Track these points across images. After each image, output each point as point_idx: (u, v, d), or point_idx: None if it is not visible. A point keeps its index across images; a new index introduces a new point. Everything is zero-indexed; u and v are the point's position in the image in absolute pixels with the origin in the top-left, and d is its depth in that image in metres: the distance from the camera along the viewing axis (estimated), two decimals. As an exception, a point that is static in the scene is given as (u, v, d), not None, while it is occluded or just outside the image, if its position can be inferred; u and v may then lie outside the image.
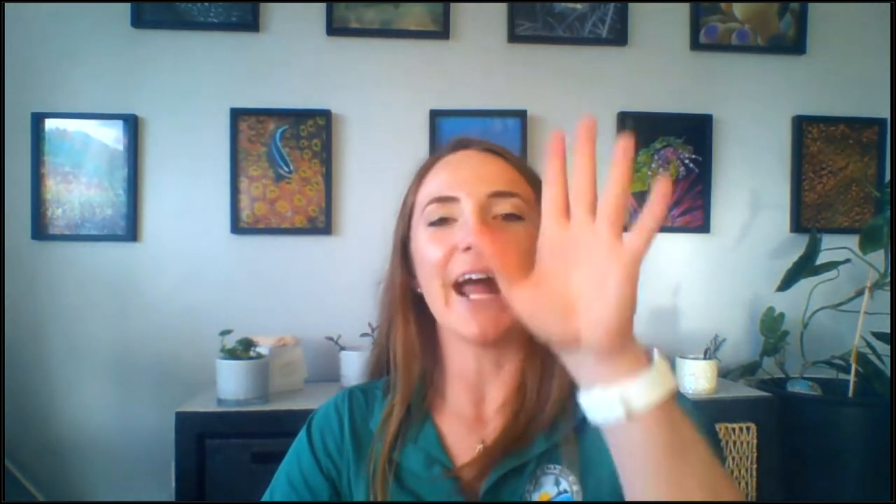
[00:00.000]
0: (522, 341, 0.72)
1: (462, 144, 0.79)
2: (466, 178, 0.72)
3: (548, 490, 0.68)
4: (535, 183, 0.76)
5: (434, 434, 0.74)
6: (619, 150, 0.49)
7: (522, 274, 0.54)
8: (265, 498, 0.77)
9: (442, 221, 0.72)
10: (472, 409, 0.76)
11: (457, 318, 0.70)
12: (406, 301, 0.78)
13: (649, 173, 2.18)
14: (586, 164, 0.51)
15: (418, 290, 0.76)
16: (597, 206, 0.50)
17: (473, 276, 0.68)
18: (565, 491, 0.68)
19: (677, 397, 0.51)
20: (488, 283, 0.67)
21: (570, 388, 0.68)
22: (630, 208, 2.17)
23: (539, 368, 0.72)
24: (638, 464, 0.50)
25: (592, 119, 0.51)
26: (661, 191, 0.48)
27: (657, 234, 0.48)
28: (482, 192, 0.71)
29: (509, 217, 0.71)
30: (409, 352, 0.77)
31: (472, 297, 0.68)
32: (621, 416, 0.48)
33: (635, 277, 0.48)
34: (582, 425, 0.68)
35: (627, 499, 0.52)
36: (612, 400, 0.49)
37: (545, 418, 0.70)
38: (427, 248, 0.72)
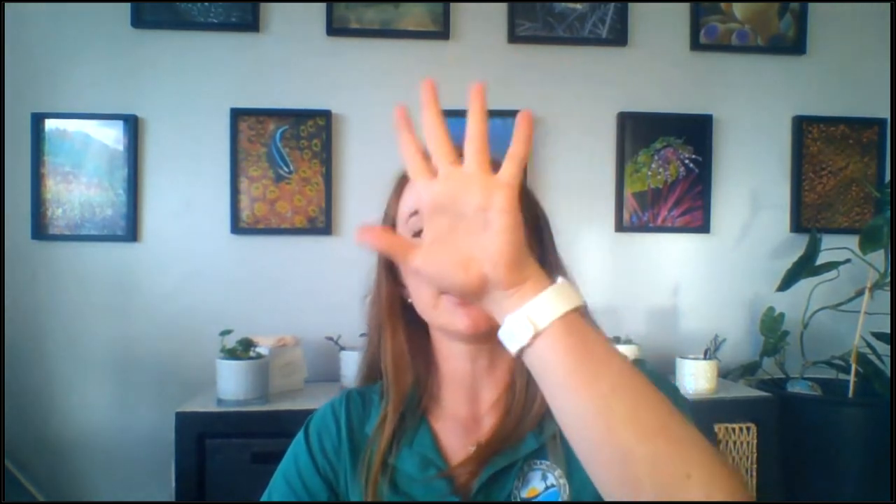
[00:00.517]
0: None
1: None
2: None
3: (535, 485, 0.70)
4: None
5: (429, 437, 0.75)
6: (473, 92, 0.51)
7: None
8: (263, 499, 0.77)
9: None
10: (466, 410, 0.77)
11: (446, 316, 0.70)
12: (394, 311, 0.78)
13: (649, 173, 2.18)
14: (433, 118, 0.52)
15: (408, 299, 0.77)
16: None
17: None
18: (552, 486, 0.70)
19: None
20: None
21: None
22: (630, 209, 2.18)
23: (525, 367, 0.73)
24: (551, 378, 0.50)
25: (430, 80, 0.52)
26: (521, 121, 0.50)
27: (525, 161, 0.49)
28: None
29: None
30: (398, 362, 0.77)
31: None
32: (531, 334, 0.49)
33: (514, 204, 0.49)
34: None
35: (558, 424, 0.52)
36: (520, 322, 0.49)
37: (533, 416, 0.72)
38: None
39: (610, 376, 0.49)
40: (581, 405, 0.48)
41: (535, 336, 0.49)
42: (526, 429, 0.71)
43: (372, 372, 0.83)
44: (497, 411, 0.75)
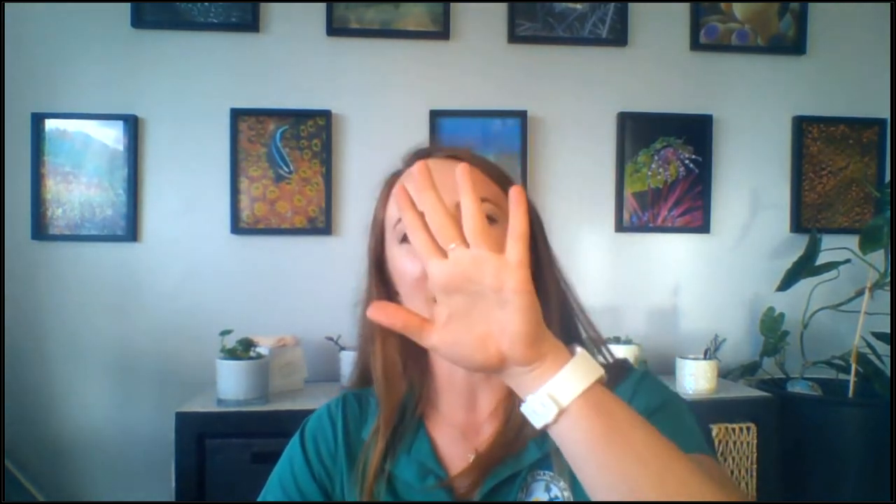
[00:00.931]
0: None
1: (423, 154, 0.78)
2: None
3: (538, 496, 0.69)
4: (502, 181, 0.75)
5: (427, 444, 0.74)
6: (459, 174, 0.51)
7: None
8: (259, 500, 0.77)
9: None
10: (464, 417, 0.76)
11: None
12: None
13: (649, 173, 2.18)
14: (432, 201, 0.52)
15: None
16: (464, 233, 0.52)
17: None
18: (556, 497, 0.68)
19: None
20: None
21: None
22: (630, 209, 2.18)
23: None
24: (579, 455, 0.50)
25: (424, 163, 0.53)
26: (515, 199, 0.50)
27: (528, 237, 0.50)
28: (450, 201, 0.68)
29: None
30: (389, 374, 0.76)
31: None
32: (554, 413, 0.50)
33: (528, 284, 0.49)
34: None
35: (591, 498, 0.52)
36: (543, 401, 0.50)
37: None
38: (404, 264, 0.71)
39: (634, 449, 0.49)
40: (607, 478, 0.49)
41: (559, 414, 0.50)
42: (527, 437, 0.70)
43: (365, 378, 0.81)
44: (497, 419, 0.74)
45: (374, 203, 0.84)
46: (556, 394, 0.50)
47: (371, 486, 0.71)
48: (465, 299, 0.51)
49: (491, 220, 0.70)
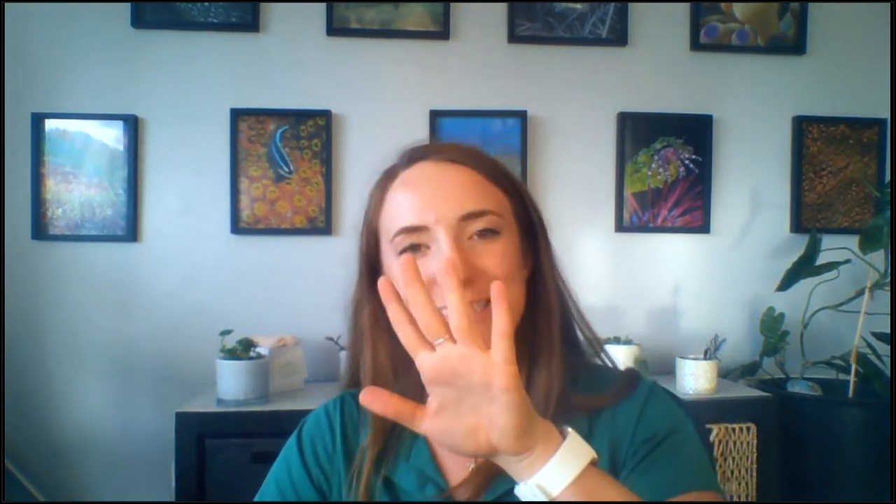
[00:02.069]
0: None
1: (419, 156, 0.73)
2: (432, 201, 0.68)
3: None
4: (505, 184, 0.72)
5: (427, 452, 0.72)
6: (444, 269, 0.52)
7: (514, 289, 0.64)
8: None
9: (414, 249, 0.68)
10: None
11: None
12: (377, 326, 0.74)
13: (649, 173, 2.18)
14: (418, 295, 0.52)
15: None
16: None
17: None
18: None
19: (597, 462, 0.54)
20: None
21: (558, 405, 0.68)
22: (630, 209, 2.18)
23: (524, 378, 0.69)
24: None
25: (411, 257, 0.54)
26: (496, 294, 0.52)
27: (511, 334, 0.51)
28: (453, 215, 0.67)
29: (485, 233, 0.68)
30: (378, 376, 0.74)
31: None
32: (544, 501, 0.51)
33: (516, 380, 0.50)
34: None
35: None
36: (533, 492, 0.52)
37: None
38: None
39: None
40: None
41: (550, 502, 0.51)
42: None
43: (357, 380, 0.79)
44: None
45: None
46: (546, 484, 0.51)
47: (367, 484, 0.70)
48: (453, 391, 0.52)
49: (494, 232, 0.68)
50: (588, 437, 0.67)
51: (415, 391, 0.74)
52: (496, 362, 0.50)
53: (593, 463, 0.54)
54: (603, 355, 0.79)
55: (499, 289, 0.52)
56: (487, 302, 0.65)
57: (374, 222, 0.75)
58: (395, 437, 0.73)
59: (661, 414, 0.70)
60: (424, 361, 0.53)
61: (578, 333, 0.77)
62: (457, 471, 0.71)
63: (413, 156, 0.74)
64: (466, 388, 0.52)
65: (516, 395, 0.50)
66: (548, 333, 0.72)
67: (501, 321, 0.51)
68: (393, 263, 0.70)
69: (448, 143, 0.76)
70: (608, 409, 0.70)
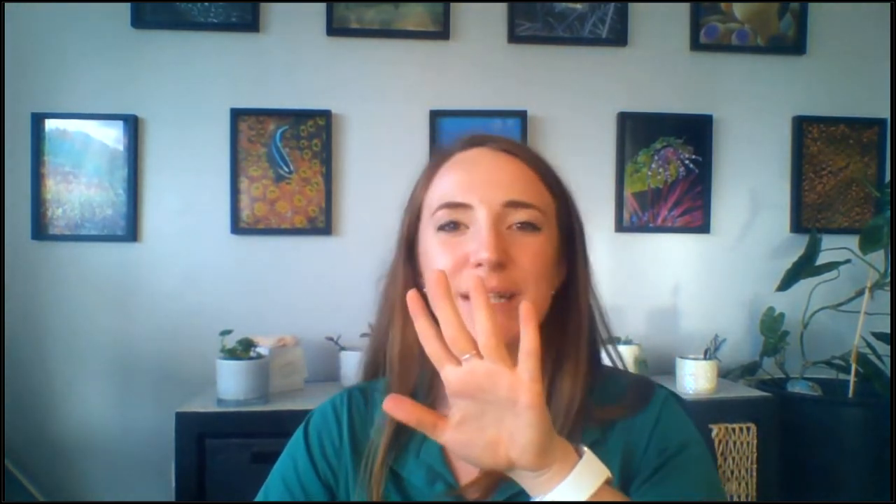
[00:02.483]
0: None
1: (477, 142, 0.75)
2: (480, 183, 0.69)
3: None
4: (554, 186, 0.73)
5: (437, 448, 0.71)
6: (474, 288, 0.53)
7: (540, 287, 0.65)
8: (259, 498, 0.75)
9: (453, 227, 0.69)
10: None
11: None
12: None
13: (649, 173, 2.18)
14: (446, 311, 0.54)
15: (423, 289, 0.73)
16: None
17: None
18: None
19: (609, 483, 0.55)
20: (499, 294, 0.66)
21: (580, 411, 0.68)
22: (630, 209, 2.18)
23: (546, 386, 0.68)
24: None
25: (442, 272, 0.55)
26: (525, 315, 0.53)
27: (539, 353, 0.52)
28: (497, 200, 0.68)
29: (525, 226, 0.68)
30: (406, 353, 0.73)
31: None
32: None
33: (540, 398, 0.52)
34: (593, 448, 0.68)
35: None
36: None
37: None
38: (436, 255, 0.69)
39: None
40: None
41: None
42: None
43: (376, 363, 0.80)
44: None
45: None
46: (560, 501, 0.53)
47: (378, 478, 0.69)
48: (477, 405, 0.53)
49: (534, 227, 0.69)
50: (602, 445, 0.67)
51: (430, 375, 0.74)
52: (523, 380, 0.51)
53: (608, 482, 0.55)
54: (615, 357, 0.78)
55: (527, 309, 0.53)
56: (511, 295, 0.66)
57: (419, 197, 0.75)
58: (406, 430, 0.72)
59: (674, 426, 0.70)
60: (450, 375, 0.54)
61: (606, 360, 0.77)
62: (467, 469, 0.70)
63: (471, 141, 0.75)
64: (490, 402, 0.53)
65: (540, 413, 0.51)
66: (576, 345, 0.72)
67: (530, 341, 0.52)
68: (430, 239, 0.71)
69: (507, 137, 0.76)
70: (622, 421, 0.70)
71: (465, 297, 0.66)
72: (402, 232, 0.76)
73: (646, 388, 0.73)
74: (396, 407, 0.54)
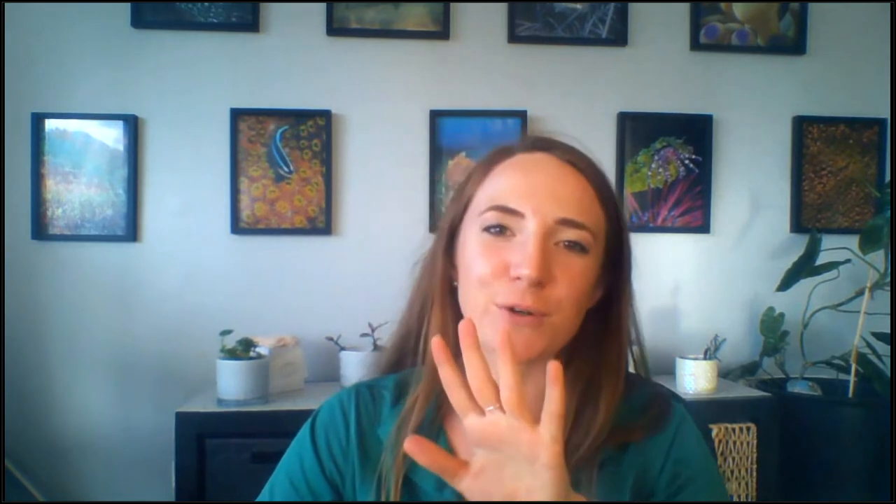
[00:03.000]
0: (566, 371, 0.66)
1: (543, 145, 0.71)
2: (538, 192, 0.66)
3: None
4: (609, 206, 0.70)
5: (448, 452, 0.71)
6: (502, 343, 0.53)
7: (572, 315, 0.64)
8: (264, 495, 0.74)
9: (499, 231, 0.66)
10: None
11: (490, 330, 0.64)
12: (445, 289, 0.72)
13: (649, 173, 2.18)
14: (475, 361, 0.54)
15: (454, 282, 0.72)
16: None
17: (517, 309, 0.64)
18: None
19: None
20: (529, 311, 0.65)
21: (596, 439, 0.66)
22: (630, 209, 2.18)
23: (572, 407, 0.67)
24: None
25: (471, 322, 0.55)
26: (552, 375, 0.52)
27: (563, 416, 0.52)
28: (552, 214, 0.65)
29: (573, 246, 0.66)
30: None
31: (513, 312, 0.64)
32: None
33: (560, 458, 0.51)
34: (602, 466, 0.66)
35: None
36: None
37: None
38: (476, 257, 0.67)
39: None
40: None
41: None
42: None
43: (403, 350, 0.78)
44: None
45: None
46: None
47: (396, 487, 0.68)
48: (497, 457, 0.53)
49: (582, 248, 0.66)
50: (616, 465, 0.67)
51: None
52: (545, 440, 0.51)
53: None
54: (644, 367, 0.78)
55: (556, 369, 0.52)
56: (544, 314, 0.64)
57: (470, 190, 0.72)
58: (417, 433, 0.72)
59: (690, 448, 0.69)
60: (473, 424, 0.54)
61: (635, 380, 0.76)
62: None
63: (537, 143, 0.72)
64: (510, 456, 0.53)
65: (558, 474, 0.51)
66: (615, 369, 0.70)
67: (555, 402, 0.52)
68: (472, 237, 0.68)
69: (573, 146, 0.73)
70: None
71: (501, 307, 0.65)
72: (447, 220, 0.74)
73: (663, 408, 0.71)
74: (419, 450, 0.53)
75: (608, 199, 0.70)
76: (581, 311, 0.69)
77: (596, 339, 0.71)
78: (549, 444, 0.51)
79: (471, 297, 0.68)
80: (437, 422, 0.71)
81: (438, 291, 0.72)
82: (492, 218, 0.67)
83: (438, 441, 0.71)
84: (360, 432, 0.73)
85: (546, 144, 0.72)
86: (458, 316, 0.71)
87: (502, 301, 0.65)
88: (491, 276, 0.65)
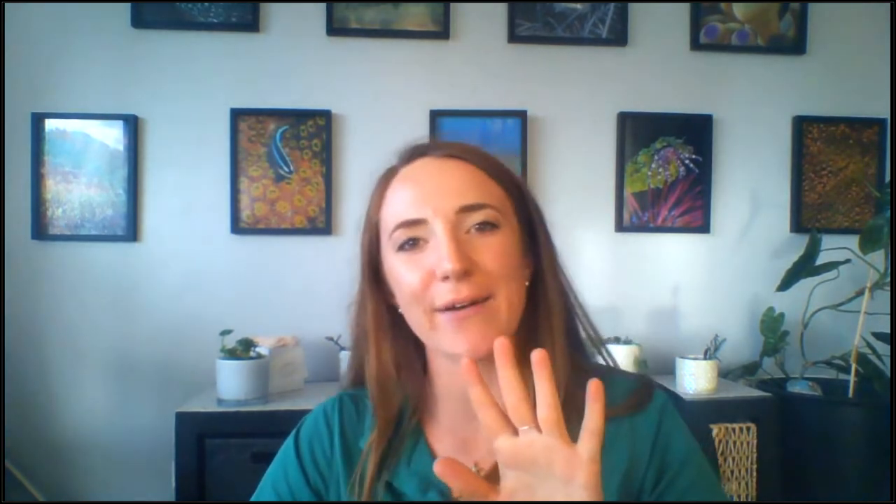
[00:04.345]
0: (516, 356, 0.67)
1: (418, 152, 0.74)
2: (430, 194, 0.68)
3: None
4: (505, 181, 0.72)
5: (428, 455, 0.71)
6: (538, 360, 0.52)
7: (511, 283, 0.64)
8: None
9: (412, 244, 0.68)
10: (465, 428, 0.72)
11: (444, 338, 0.66)
12: (380, 326, 0.74)
13: (649, 173, 2.18)
14: (510, 380, 0.53)
15: (398, 309, 0.72)
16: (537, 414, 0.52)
17: (458, 305, 0.65)
18: None
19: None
20: (472, 301, 0.65)
21: (566, 409, 0.67)
22: (630, 209, 2.18)
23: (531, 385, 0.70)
24: None
25: (506, 340, 0.54)
26: (592, 393, 0.51)
27: (602, 433, 0.51)
28: (450, 208, 0.67)
29: (483, 227, 0.67)
30: (385, 378, 0.73)
31: (458, 313, 0.65)
32: None
33: (597, 478, 0.50)
34: None
35: None
36: None
37: None
38: (402, 275, 0.68)
39: None
40: None
41: None
42: None
43: (360, 380, 0.78)
44: None
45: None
46: None
47: (367, 497, 0.68)
48: (529, 478, 0.52)
49: (492, 226, 0.67)
50: (606, 447, 0.67)
51: (415, 387, 0.74)
52: (582, 459, 0.50)
53: None
54: (605, 355, 0.77)
55: (596, 388, 0.51)
56: (485, 298, 0.65)
57: (374, 219, 0.74)
58: (397, 439, 0.72)
59: (676, 436, 0.69)
60: (505, 445, 0.53)
61: (582, 332, 0.75)
62: None
63: (413, 153, 0.74)
64: (544, 477, 0.52)
65: (595, 493, 0.50)
66: (549, 334, 0.70)
67: (594, 420, 0.51)
68: (393, 260, 0.69)
69: (448, 141, 0.75)
70: (626, 420, 0.68)
71: (439, 310, 0.66)
72: (363, 255, 0.75)
73: (645, 388, 0.72)
74: (451, 473, 0.52)
75: (502, 175, 0.72)
76: (520, 287, 0.69)
77: (531, 310, 0.71)
78: (586, 464, 0.50)
79: (413, 315, 0.69)
80: (414, 427, 0.73)
81: (372, 330, 0.74)
82: (400, 236, 0.68)
83: (418, 444, 0.72)
84: (344, 441, 0.74)
85: (423, 150, 0.74)
86: (406, 343, 0.74)
87: (441, 303, 0.65)
88: (421, 288, 0.66)
